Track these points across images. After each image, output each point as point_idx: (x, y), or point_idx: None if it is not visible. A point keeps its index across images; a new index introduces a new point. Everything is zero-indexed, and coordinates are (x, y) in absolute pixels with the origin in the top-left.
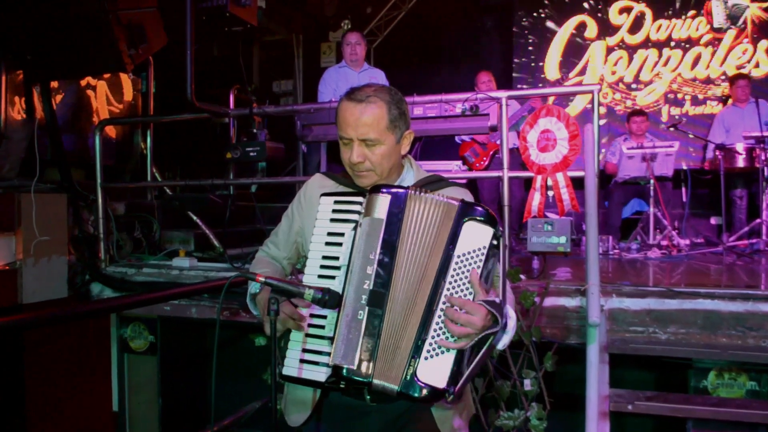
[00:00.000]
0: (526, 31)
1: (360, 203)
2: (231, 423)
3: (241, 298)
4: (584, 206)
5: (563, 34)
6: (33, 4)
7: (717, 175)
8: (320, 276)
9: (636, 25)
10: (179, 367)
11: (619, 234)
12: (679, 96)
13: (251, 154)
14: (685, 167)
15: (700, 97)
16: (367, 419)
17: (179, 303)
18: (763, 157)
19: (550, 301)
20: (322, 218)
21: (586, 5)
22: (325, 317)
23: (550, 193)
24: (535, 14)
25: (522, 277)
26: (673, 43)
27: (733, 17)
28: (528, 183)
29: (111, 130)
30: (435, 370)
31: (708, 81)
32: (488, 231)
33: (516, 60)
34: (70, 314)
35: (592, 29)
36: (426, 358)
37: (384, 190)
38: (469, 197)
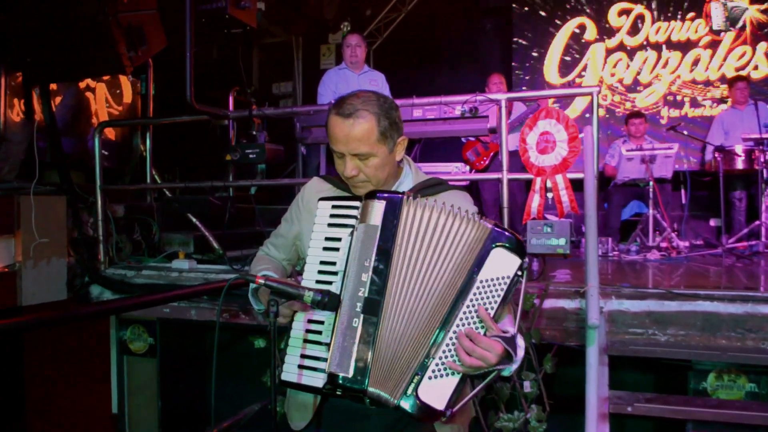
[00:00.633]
0: (525, 33)
1: (357, 208)
2: (230, 425)
3: (240, 300)
4: (584, 208)
5: (563, 36)
6: (33, 6)
7: (716, 177)
8: (318, 281)
9: (635, 27)
10: (179, 369)
11: (618, 236)
12: (679, 98)
13: (251, 156)
14: (685, 165)
15: (699, 99)
16: (368, 422)
17: (179, 305)
18: (762, 159)
19: (549, 303)
20: (319, 223)
21: (585, 7)
22: (322, 323)
23: (550, 195)
24: (534, 16)
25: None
26: (672, 45)
27: (732, 19)
28: (529, 185)
29: (110, 132)
30: (437, 391)
31: (707, 83)
32: (515, 261)
33: (515, 62)
34: (70, 316)
35: (591, 31)
36: (430, 378)
37: (380, 196)
38: (468, 200)
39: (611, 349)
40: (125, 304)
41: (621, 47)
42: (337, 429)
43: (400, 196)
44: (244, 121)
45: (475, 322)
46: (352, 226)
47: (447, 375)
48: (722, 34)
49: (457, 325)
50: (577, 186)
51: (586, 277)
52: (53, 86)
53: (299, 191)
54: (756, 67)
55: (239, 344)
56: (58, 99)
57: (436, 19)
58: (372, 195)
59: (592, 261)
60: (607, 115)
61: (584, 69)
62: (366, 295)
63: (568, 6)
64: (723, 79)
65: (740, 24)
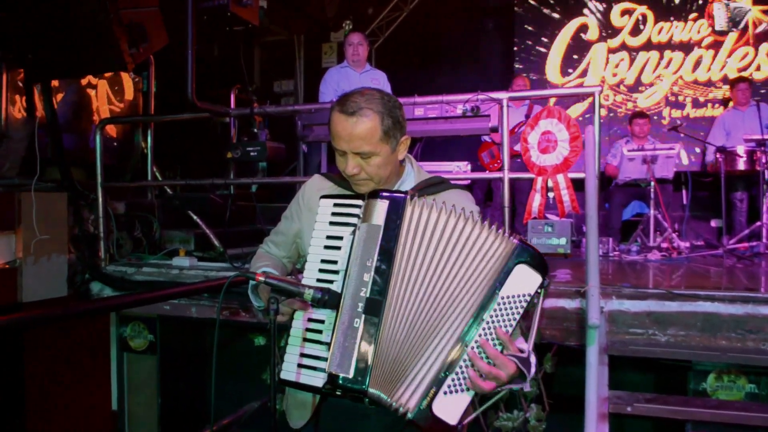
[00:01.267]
0: (527, 33)
1: (359, 206)
2: (230, 422)
3: (241, 298)
4: (584, 208)
5: (564, 35)
6: (34, 3)
7: (717, 177)
8: (319, 280)
9: (637, 28)
10: (179, 367)
11: (619, 236)
12: (680, 98)
13: (252, 153)
14: (685, 163)
15: (701, 99)
16: (367, 422)
17: (179, 302)
18: (763, 160)
19: (549, 303)
20: (321, 221)
21: (587, 8)
22: (323, 322)
23: (551, 194)
24: (536, 16)
25: None
26: (674, 46)
27: (734, 20)
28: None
29: (111, 129)
30: (451, 406)
31: (709, 84)
32: (537, 279)
33: (517, 61)
34: (70, 313)
35: (593, 31)
36: (445, 393)
37: (382, 195)
38: (470, 199)
39: (611, 349)
40: (125, 300)
41: (623, 47)
42: (337, 428)
43: (403, 195)
44: (245, 119)
45: (493, 338)
46: (354, 225)
47: (462, 391)
48: (725, 34)
49: (476, 341)
50: (578, 186)
51: (586, 277)
52: (55, 83)
53: (299, 189)
54: (758, 68)
55: (239, 342)
56: (59, 96)
57: (438, 18)
58: (375, 194)
59: (593, 261)
60: (610, 114)
61: (586, 69)
62: (368, 295)
63: (570, 6)
64: (725, 80)
65: (742, 25)
